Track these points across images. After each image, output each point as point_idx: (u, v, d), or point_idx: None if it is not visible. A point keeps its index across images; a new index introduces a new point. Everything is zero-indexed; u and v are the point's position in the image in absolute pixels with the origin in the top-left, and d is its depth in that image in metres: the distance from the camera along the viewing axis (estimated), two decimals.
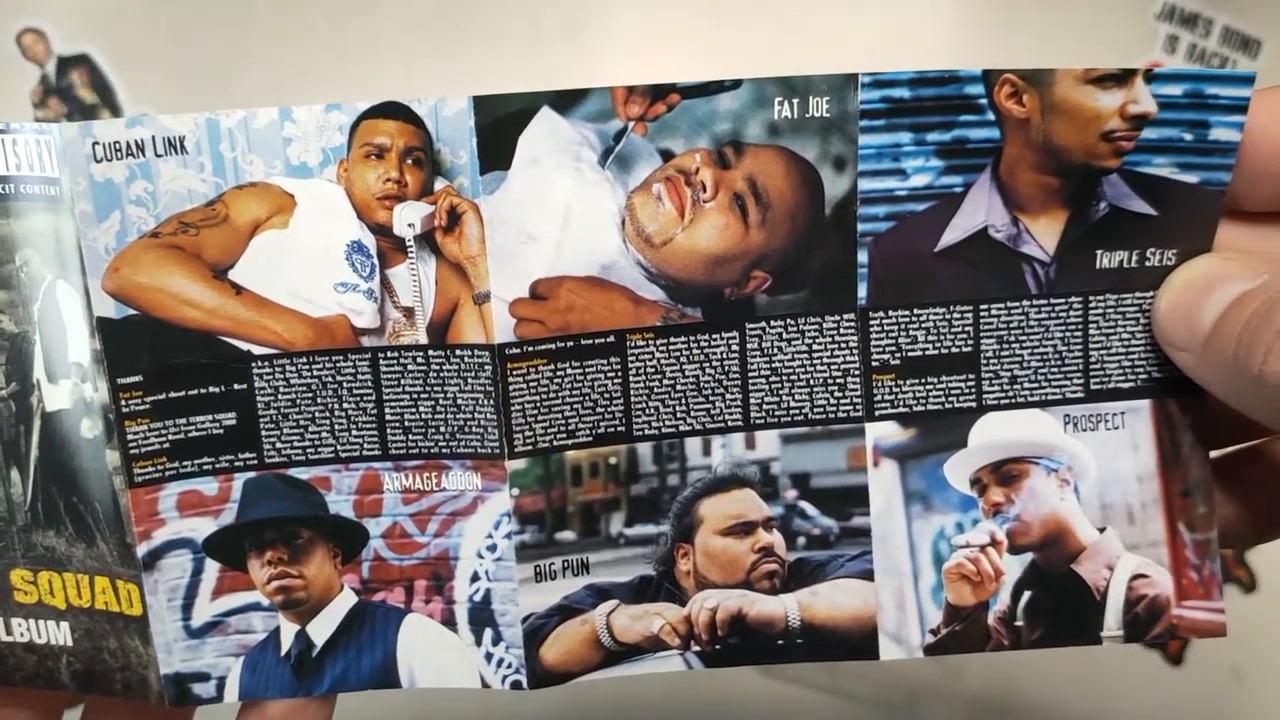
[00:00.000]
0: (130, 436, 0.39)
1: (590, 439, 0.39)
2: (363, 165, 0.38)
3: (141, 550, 0.39)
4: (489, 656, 0.40)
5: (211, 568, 0.40)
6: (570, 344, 0.38)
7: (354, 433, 0.40)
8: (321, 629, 0.41)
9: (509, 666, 0.40)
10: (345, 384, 0.39)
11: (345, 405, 0.39)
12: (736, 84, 0.37)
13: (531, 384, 0.38)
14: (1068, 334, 0.39)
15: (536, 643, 0.39)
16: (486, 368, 0.38)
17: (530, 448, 0.39)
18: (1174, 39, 0.72)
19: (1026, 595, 0.40)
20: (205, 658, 0.40)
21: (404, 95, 0.37)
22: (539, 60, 0.73)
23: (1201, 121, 0.37)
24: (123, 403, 0.38)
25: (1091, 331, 0.39)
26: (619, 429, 0.39)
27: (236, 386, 0.39)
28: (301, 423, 0.39)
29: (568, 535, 0.40)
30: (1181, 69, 0.37)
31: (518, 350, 0.38)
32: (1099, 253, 0.38)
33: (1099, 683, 0.71)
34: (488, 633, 0.40)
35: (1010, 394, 0.39)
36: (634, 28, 0.73)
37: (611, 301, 0.38)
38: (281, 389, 0.39)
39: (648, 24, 0.73)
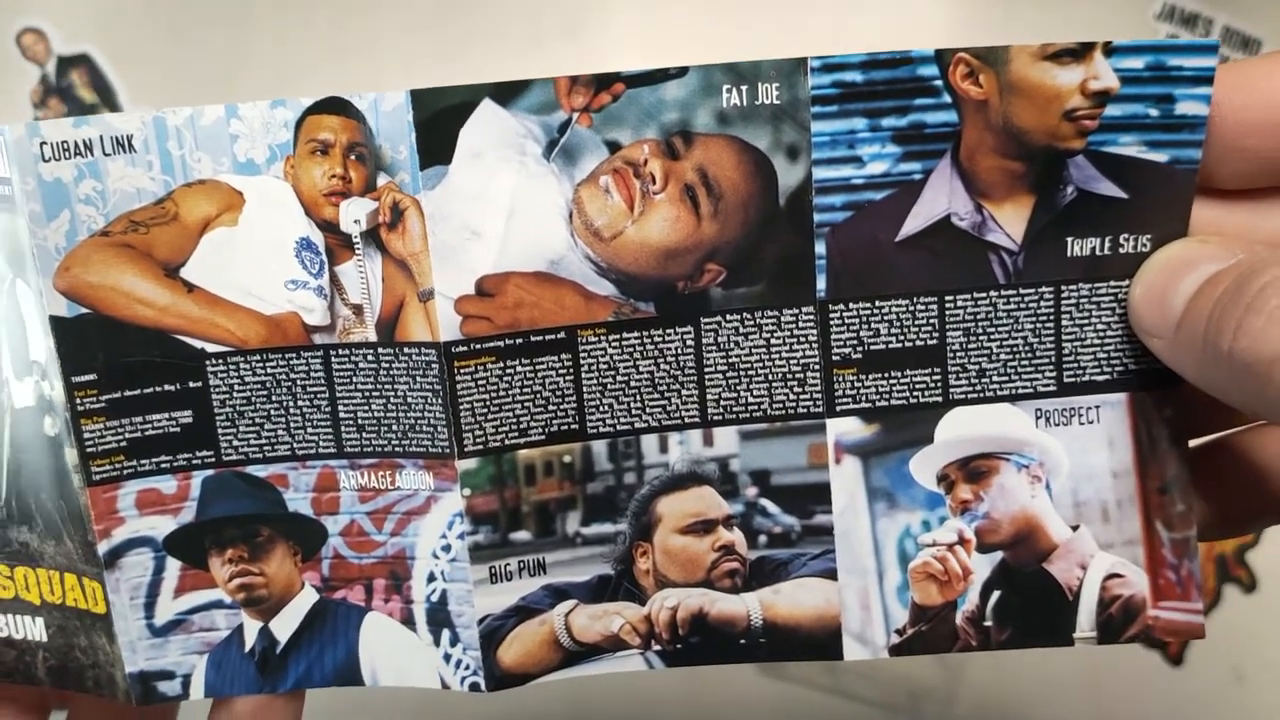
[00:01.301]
0: (87, 435, 0.40)
1: (543, 437, 0.40)
2: (308, 161, 0.39)
3: (102, 548, 0.41)
4: (447, 657, 0.41)
5: (173, 566, 0.41)
6: (519, 341, 0.39)
7: (309, 430, 0.41)
8: (284, 626, 0.42)
9: (467, 668, 0.40)
10: (299, 381, 0.40)
11: (300, 403, 0.40)
12: (683, 71, 0.37)
13: (480, 382, 0.39)
14: (1038, 325, 0.39)
15: (494, 644, 0.40)
16: (434, 366, 0.39)
17: (481, 447, 0.39)
18: (1174, 39, 0.71)
19: (996, 595, 0.40)
20: (170, 656, 0.42)
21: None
22: (539, 60, 0.74)
23: (1166, 95, 0.36)
24: (78, 401, 0.40)
25: (1064, 322, 0.39)
26: (572, 427, 0.40)
27: (192, 384, 0.40)
28: (257, 420, 0.40)
29: (523, 535, 0.41)
30: (1142, 40, 0.36)
31: (465, 348, 0.38)
32: (1069, 240, 0.38)
33: (1099, 683, 0.71)
34: (445, 633, 0.41)
35: (978, 388, 0.39)
36: (634, 28, 0.74)
37: (561, 297, 0.39)
38: (236, 387, 0.40)
39: (648, 24, 0.74)
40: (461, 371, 0.38)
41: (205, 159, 0.39)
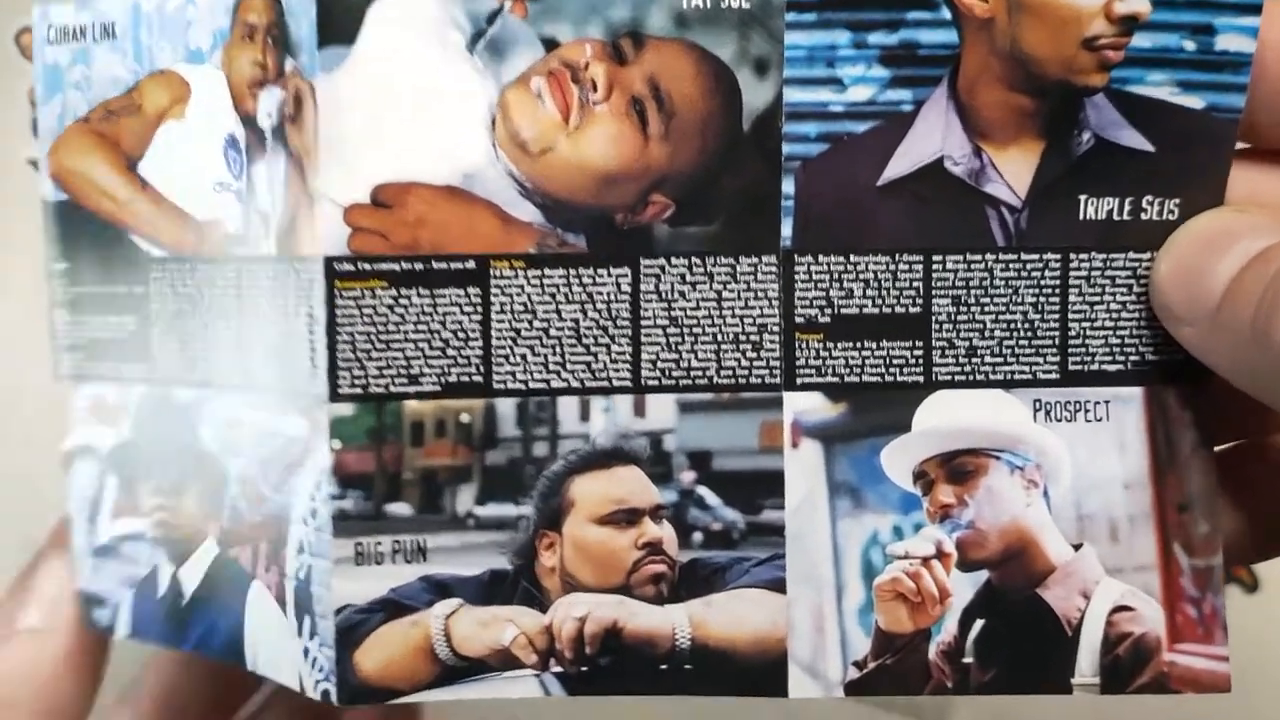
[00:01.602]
0: (58, 326, 0.38)
1: (437, 388, 0.33)
2: (239, 48, 0.34)
3: (65, 447, 0.38)
4: (306, 652, 0.33)
5: (111, 484, 0.37)
6: (419, 266, 0.32)
7: (224, 354, 0.35)
8: (190, 577, 0.36)
9: (320, 669, 0.33)
10: (216, 298, 0.35)
11: (217, 323, 0.35)
12: None
13: (366, 311, 0.32)
14: (1041, 299, 0.33)
15: (351, 644, 0.32)
16: (317, 285, 0.32)
17: (359, 391, 0.32)
18: None
19: (979, 625, 0.33)
20: (104, 581, 0.38)
21: None
22: None
23: (1205, 25, 0.31)
24: (54, 289, 0.38)
25: (1072, 298, 0.33)
26: (475, 379, 0.33)
27: (136, 289, 0.36)
28: (183, 338, 0.36)
29: (401, 509, 0.33)
30: None
31: (350, 267, 0.32)
32: (1082, 199, 0.32)
33: None
34: (307, 621, 0.33)
35: (967, 369, 0.33)
36: None
37: (474, 219, 0.32)
38: (169, 297, 0.36)
39: None
40: (344, 294, 0.32)
41: (166, 47, 0.36)
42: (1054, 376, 0.33)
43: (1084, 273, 0.33)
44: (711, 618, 0.33)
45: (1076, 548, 0.33)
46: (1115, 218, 0.32)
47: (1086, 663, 0.33)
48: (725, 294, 0.33)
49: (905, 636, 0.33)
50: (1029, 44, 0.31)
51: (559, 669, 0.33)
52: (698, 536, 0.34)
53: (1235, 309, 0.29)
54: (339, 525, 0.33)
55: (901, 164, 0.32)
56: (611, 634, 0.33)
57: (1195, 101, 0.32)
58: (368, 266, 0.32)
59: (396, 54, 0.32)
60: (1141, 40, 0.31)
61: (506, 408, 0.33)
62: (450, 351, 0.33)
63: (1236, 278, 0.29)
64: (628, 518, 0.33)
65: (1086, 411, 0.33)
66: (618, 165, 0.32)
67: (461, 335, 0.33)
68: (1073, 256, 0.33)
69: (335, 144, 0.32)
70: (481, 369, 0.33)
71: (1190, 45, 0.31)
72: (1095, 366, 0.33)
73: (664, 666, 0.33)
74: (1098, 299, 0.33)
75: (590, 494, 0.33)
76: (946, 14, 0.32)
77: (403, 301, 0.32)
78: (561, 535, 0.33)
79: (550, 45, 0.32)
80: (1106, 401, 0.33)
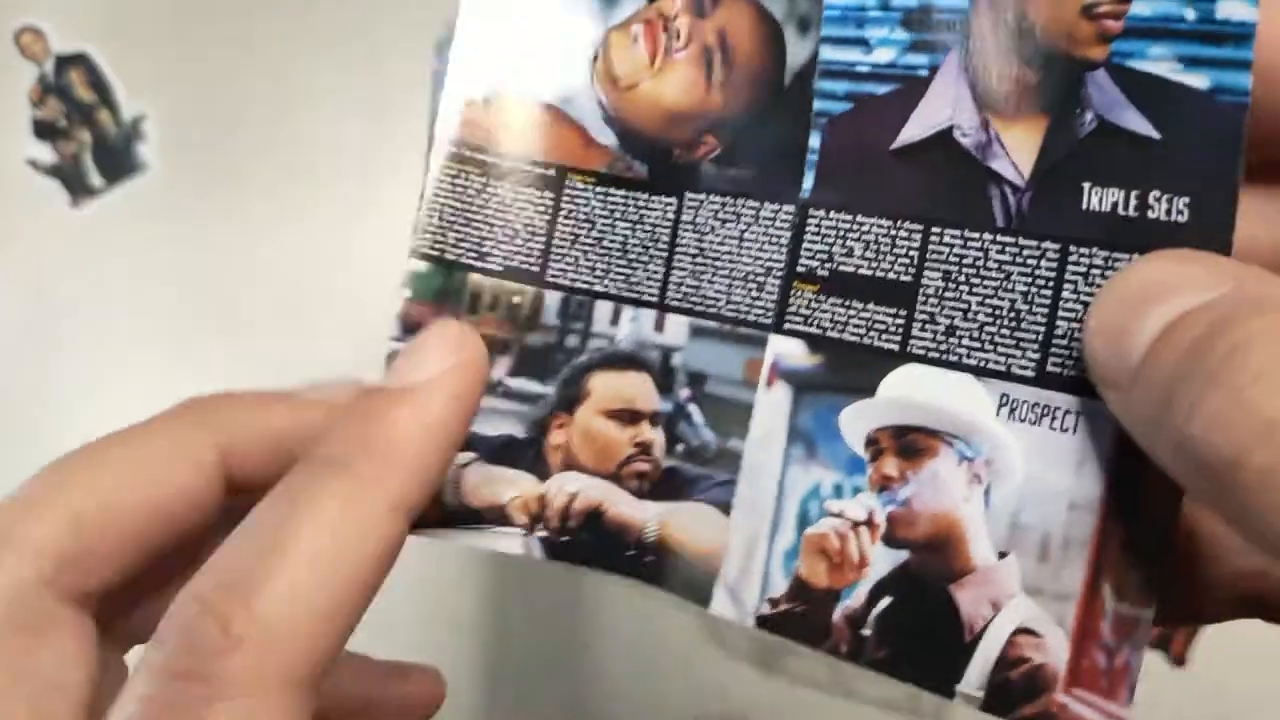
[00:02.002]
0: None
1: (500, 268, 0.39)
2: None
3: None
4: None
5: None
6: (509, 164, 0.39)
7: None
8: None
9: None
10: None
11: None
12: None
13: (459, 190, 0.39)
14: (1032, 289, 0.31)
15: None
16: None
17: (437, 254, 0.39)
18: None
19: (885, 602, 0.32)
20: None
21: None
22: None
23: None
24: None
25: (1065, 294, 0.31)
26: (532, 269, 0.39)
27: None
28: None
29: None
30: None
31: (455, 149, 0.39)
32: (1086, 186, 0.30)
33: None
34: None
35: (943, 347, 0.32)
36: None
37: (562, 134, 0.38)
38: None
39: None
40: (445, 171, 0.39)
41: None
42: (1028, 374, 0.31)
43: (1083, 269, 0.31)
44: (673, 522, 0.36)
45: (1001, 555, 0.31)
46: (1121, 212, 0.30)
47: (976, 675, 0.31)
48: (747, 235, 0.35)
49: (819, 591, 0.33)
50: (1032, 11, 0.30)
51: (544, 534, 0.38)
52: (680, 448, 0.37)
53: (1150, 383, 0.26)
54: (390, 361, 0.40)
55: (915, 130, 0.33)
56: (595, 513, 0.37)
57: (1199, 80, 0.28)
58: (468, 154, 0.39)
59: None
60: (1141, 8, 0.29)
61: (553, 300, 0.39)
62: (518, 241, 0.39)
63: (1154, 344, 0.26)
64: (630, 417, 0.37)
65: (1053, 418, 0.31)
66: (685, 106, 0.36)
67: (530, 230, 0.39)
68: (1072, 249, 0.31)
69: (469, 43, 0.39)
70: (540, 262, 0.39)
71: (1191, 14, 0.28)
72: (1073, 372, 0.31)
73: (630, 553, 0.37)
74: (1094, 300, 0.30)
75: (605, 389, 0.38)
76: None
77: (489, 189, 0.39)
78: (573, 419, 0.38)
79: None
80: (1077, 413, 0.31)
